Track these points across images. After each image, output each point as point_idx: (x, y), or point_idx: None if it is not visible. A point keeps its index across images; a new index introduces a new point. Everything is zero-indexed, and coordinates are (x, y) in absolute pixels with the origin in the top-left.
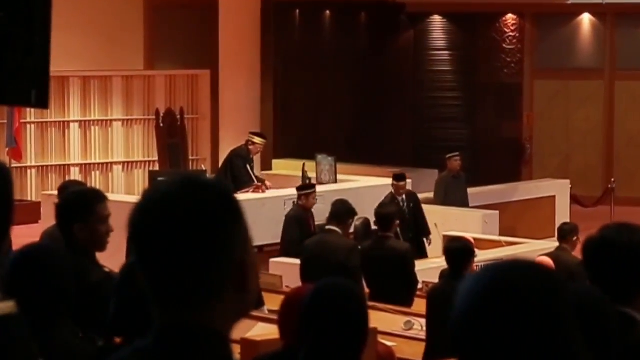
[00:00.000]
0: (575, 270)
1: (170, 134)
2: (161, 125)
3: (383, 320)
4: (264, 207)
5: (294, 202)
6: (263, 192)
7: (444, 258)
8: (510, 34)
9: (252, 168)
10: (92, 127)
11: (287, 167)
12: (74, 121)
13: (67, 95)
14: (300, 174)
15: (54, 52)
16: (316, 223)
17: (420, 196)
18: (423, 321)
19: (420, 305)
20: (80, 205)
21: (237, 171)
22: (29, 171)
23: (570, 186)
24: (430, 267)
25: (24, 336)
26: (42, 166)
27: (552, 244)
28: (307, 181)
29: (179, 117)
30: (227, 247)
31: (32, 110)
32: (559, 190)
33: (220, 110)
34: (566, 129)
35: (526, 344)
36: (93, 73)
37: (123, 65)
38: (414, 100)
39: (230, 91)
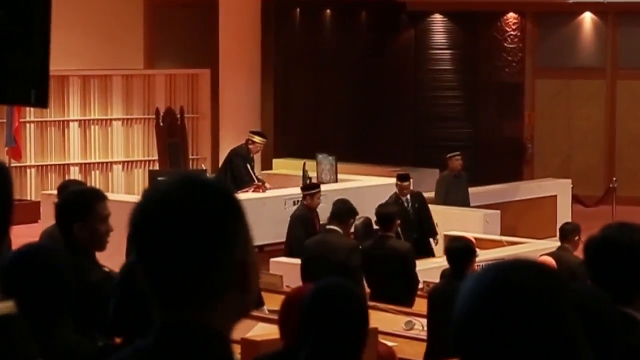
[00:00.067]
0: (577, 270)
1: (170, 133)
2: (161, 124)
3: (384, 320)
4: (264, 207)
5: (294, 202)
6: (263, 191)
7: (445, 257)
8: (512, 32)
9: (252, 167)
10: (92, 127)
11: (287, 167)
12: (73, 120)
13: (66, 94)
14: (301, 174)
15: (54, 51)
16: (321, 222)
17: None
18: (424, 321)
19: (421, 305)
20: (80, 204)
21: (237, 170)
22: (28, 170)
23: (571, 186)
24: (431, 267)
25: (24, 336)
26: (42, 165)
27: (554, 243)
28: (308, 181)
29: (179, 116)
30: (227, 247)
31: (32, 109)
32: (561, 189)
33: (220, 110)
34: (567, 128)
35: (528, 344)
36: (93, 72)
37: (123, 65)
38: (414, 100)
39: (230, 90)
